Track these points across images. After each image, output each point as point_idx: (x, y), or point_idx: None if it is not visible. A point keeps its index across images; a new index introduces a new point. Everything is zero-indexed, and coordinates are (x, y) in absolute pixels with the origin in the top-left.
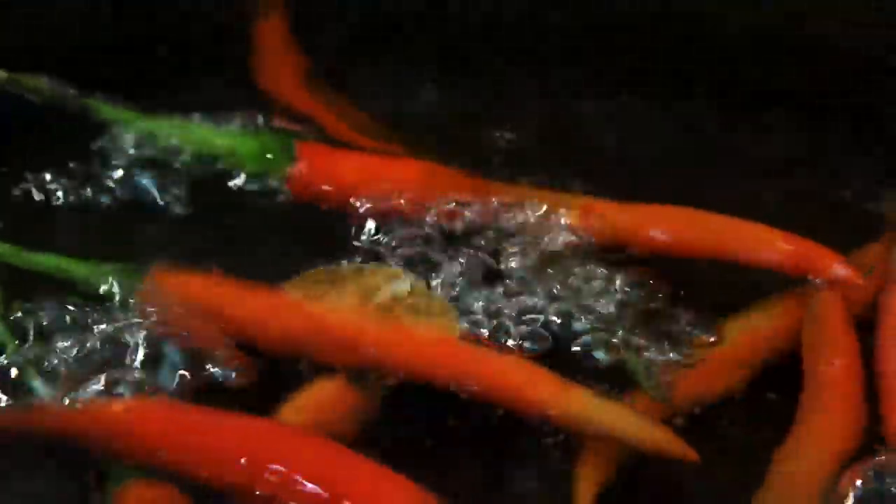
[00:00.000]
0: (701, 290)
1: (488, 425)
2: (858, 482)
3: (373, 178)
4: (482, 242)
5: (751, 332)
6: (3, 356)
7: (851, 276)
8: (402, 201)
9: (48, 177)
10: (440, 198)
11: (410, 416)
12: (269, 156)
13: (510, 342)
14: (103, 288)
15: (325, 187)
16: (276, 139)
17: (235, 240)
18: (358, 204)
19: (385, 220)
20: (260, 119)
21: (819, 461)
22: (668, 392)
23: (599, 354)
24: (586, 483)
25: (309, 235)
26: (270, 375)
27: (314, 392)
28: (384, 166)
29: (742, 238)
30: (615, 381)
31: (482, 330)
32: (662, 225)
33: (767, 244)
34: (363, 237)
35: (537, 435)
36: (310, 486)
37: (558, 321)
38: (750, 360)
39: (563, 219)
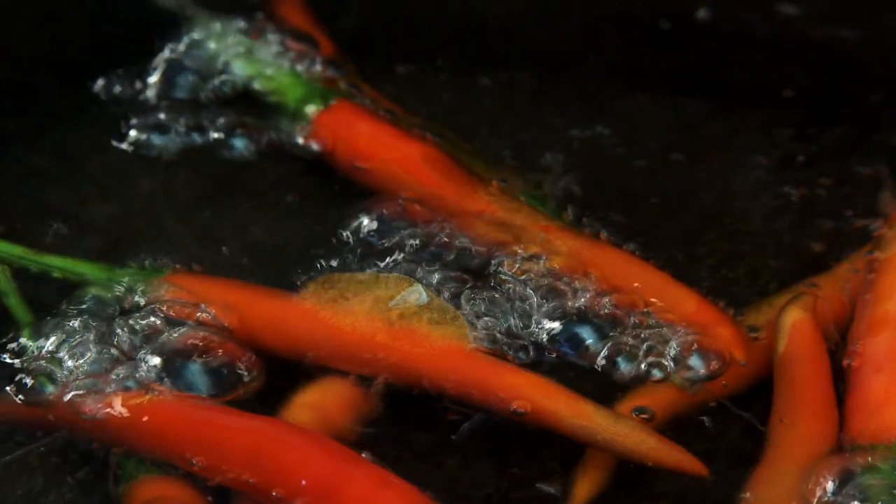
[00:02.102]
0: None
1: (489, 428)
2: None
3: (380, 149)
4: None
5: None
6: (23, 355)
7: (732, 353)
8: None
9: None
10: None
11: (412, 418)
12: (309, 105)
13: (518, 351)
14: (118, 290)
15: (339, 142)
16: (319, 89)
17: (249, 231)
18: (360, 172)
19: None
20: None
21: (793, 482)
22: (694, 382)
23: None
24: (583, 485)
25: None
26: (274, 374)
27: (317, 391)
28: (393, 140)
29: (658, 291)
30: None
31: (489, 340)
32: (596, 260)
33: (675, 301)
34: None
35: (538, 439)
36: (310, 485)
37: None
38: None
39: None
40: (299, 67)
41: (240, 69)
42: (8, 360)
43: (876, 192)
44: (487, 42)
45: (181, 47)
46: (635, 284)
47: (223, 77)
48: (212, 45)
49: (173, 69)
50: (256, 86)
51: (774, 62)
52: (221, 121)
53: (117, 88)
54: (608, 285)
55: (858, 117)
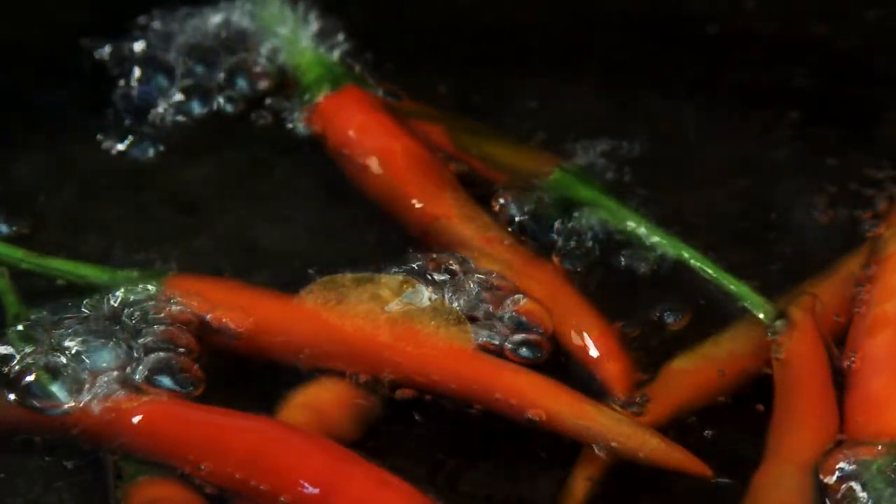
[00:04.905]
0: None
1: (488, 428)
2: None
3: (365, 139)
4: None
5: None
6: (16, 360)
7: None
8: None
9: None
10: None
11: (412, 418)
12: (320, 87)
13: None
14: (120, 292)
15: (331, 128)
16: (336, 73)
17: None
18: (343, 159)
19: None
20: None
21: (795, 482)
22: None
23: None
24: (581, 485)
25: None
26: (274, 375)
27: (315, 392)
28: (380, 133)
29: (571, 313)
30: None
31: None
32: (525, 275)
33: (583, 326)
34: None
35: (537, 438)
36: (308, 486)
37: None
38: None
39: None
40: (325, 48)
41: (272, 44)
42: (6, 363)
43: (875, 192)
44: (491, 41)
45: (200, 26)
46: (553, 302)
47: (246, 54)
48: (244, 21)
49: (182, 54)
50: (281, 60)
51: (774, 62)
52: (228, 106)
53: (122, 84)
54: (529, 300)
55: (858, 117)
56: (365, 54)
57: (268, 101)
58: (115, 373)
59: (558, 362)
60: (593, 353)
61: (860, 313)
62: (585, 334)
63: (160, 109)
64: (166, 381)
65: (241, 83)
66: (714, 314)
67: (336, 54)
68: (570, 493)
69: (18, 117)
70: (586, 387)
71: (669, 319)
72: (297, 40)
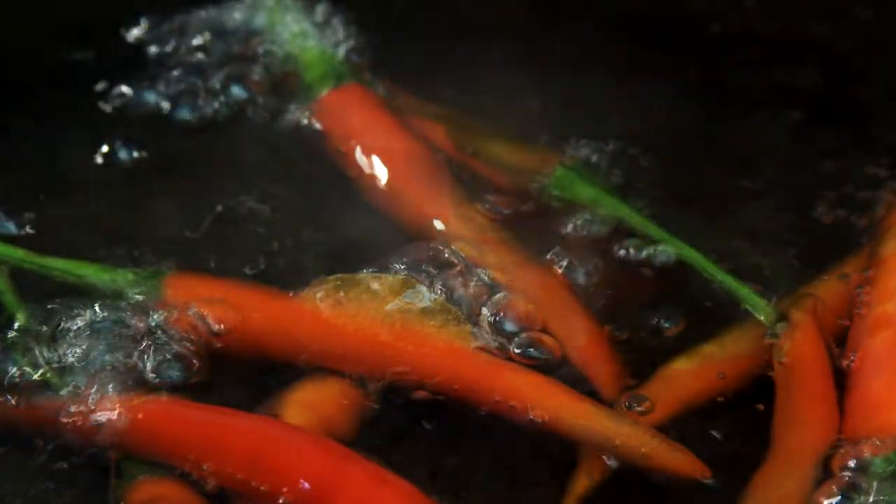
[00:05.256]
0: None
1: (488, 428)
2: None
3: (366, 137)
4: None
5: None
6: (16, 360)
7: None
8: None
9: None
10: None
11: (410, 418)
12: (323, 84)
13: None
14: (120, 292)
15: (333, 125)
16: (340, 70)
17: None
18: (342, 156)
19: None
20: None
21: (796, 484)
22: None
23: None
24: (580, 485)
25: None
26: (273, 375)
27: (314, 391)
28: (382, 131)
29: (562, 316)
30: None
31: (486, 337)
32: (519, 275)
33: (574, 328)
34: None
35: (538, 439)
36: (307, 485)
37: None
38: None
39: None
40: (327, 45)
41: (274, 41)
42: (6, 363)
43: (875, 192)
44: (491, 41)
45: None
46: (547, 303)
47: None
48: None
49: (183, 53)
50: (283, 57)
51: (774, 62)
52: (227, 100)
53: (121, 84)
54: (521, 301)
55: (858, 117)
56: (366, 52)
57: (268, 99)
58: (115, 373)
59: (558, 363)
60: (583, 355)
61: (860, 314)
62: (577, 336)
63: (160, 109)
64: (166, 380)
65: (242, 82)
66: (715, 315)
67: (339, 52)
68: (570, 493)
69: (18, 117)
70: (585, 387)
71: (669, 321)
72: (300, 37)
